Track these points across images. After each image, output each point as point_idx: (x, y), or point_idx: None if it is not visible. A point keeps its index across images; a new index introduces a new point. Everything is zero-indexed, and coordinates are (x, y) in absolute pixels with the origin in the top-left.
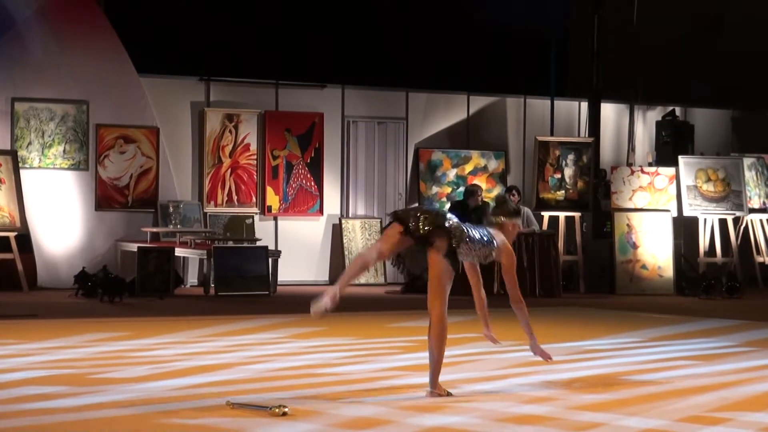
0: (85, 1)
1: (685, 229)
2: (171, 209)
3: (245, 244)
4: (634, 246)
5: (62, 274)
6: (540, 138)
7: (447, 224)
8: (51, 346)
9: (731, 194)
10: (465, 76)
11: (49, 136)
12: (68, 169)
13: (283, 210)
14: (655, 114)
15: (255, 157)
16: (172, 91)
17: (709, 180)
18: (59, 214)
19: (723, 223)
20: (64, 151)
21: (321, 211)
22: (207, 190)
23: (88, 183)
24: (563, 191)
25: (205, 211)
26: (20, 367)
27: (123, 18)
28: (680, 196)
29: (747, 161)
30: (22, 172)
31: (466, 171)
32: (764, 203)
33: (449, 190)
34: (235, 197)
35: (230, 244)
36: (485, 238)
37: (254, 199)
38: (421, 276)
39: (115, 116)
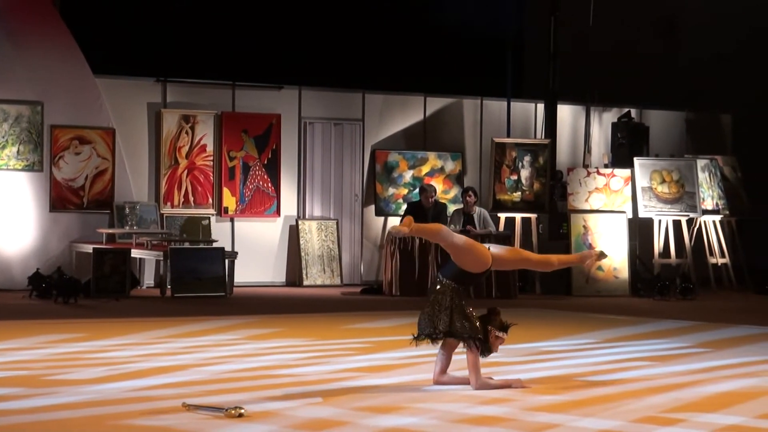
0: (40, 1)
1: (640, 230)
2: (127, 210)
3: (202, 246)
4: (590, 247)
5: (16, 275)
6: (496, 139)
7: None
8: (5, 347)
9: (685, 195)
10: (421, 77)
11: (3, 137)
12: (22, 170)
13: (240, 211)
14: (611, 116)
15: (212, 158)
16: (128, 92)
17: (663, 181)
18: (13, 215)
19: (677, 224)
20: (18, 152)
21: (278, 213)
22: (163, 191)
23: (42, 184)
24: (519, 192)
25: (161, 212)
26: None
27: (79, 19)
28: (635, 198)
29: (700, 163)
30: None
31: (423, 172)
32: (717, 204)
33: (405, 191)
34: (191, 198)
35: (187, 245)
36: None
37: (211, 200)
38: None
39: (70, 117)
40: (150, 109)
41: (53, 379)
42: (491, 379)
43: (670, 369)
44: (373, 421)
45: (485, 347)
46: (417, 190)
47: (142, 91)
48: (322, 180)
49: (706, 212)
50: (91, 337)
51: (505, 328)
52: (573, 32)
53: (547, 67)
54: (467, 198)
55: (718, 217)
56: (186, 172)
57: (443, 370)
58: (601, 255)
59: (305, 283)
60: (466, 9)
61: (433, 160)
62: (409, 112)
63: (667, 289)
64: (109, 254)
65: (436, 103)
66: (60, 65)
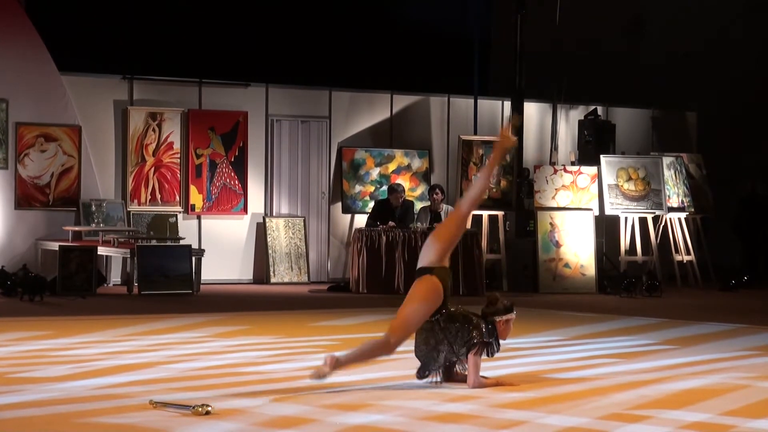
0: None
1: (606, 227)
2: (93, 208)
3: (169, 243)
4: (557, 245)
5: None
6: (463, 137)
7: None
8: None
9: (651, 193)
10: (388, 75)
11: None
12: None
13: (207, 209)
14: (578, 113)
15: (178, 155)
16: (94, 90)
17: (629, 179)
18: None
19: (643, 221)
20: None
21: (245, 210)
22: (130, 188)
23: (8, 182)
24: (486, 190)
25: (128, 209)
26: None
27: (45, 16)
28: (602, 195)
29: (666, 160)
30: None
31: (390, 170)
32: (682, 202)
33: (372, 189)
34: (158, 196)
35: (153, 242)
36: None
37: (178, 197)
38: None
39: (35, 115)
40: (116, 107)
41: (18, 377)
42: (485, 378)
43: (635, 366)
44: (340, 419)
45: (491, 349)
46: (384, 188)
47: (109, 89)
48: (289, 177)
49: (671, 209)
50: (57, 335)
51: (510, 309)
52: (540, 30)
53: (513, 65)
54: (434, 196)
55: (683, 215)
56: (153, 169)
57: None
58: (513, 120)
59: (272, 280)
60: (433, 7)
61: (399, 157)
62: (375, 110)
63: (633, 287)
64: (76, 252)
65: (403, 101)
66: (25, 62)
